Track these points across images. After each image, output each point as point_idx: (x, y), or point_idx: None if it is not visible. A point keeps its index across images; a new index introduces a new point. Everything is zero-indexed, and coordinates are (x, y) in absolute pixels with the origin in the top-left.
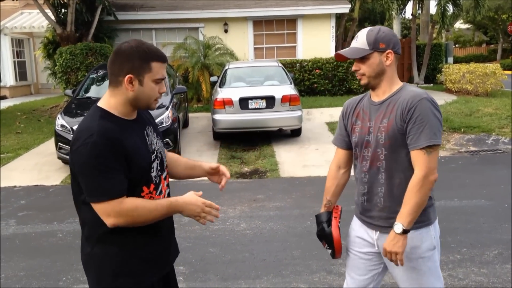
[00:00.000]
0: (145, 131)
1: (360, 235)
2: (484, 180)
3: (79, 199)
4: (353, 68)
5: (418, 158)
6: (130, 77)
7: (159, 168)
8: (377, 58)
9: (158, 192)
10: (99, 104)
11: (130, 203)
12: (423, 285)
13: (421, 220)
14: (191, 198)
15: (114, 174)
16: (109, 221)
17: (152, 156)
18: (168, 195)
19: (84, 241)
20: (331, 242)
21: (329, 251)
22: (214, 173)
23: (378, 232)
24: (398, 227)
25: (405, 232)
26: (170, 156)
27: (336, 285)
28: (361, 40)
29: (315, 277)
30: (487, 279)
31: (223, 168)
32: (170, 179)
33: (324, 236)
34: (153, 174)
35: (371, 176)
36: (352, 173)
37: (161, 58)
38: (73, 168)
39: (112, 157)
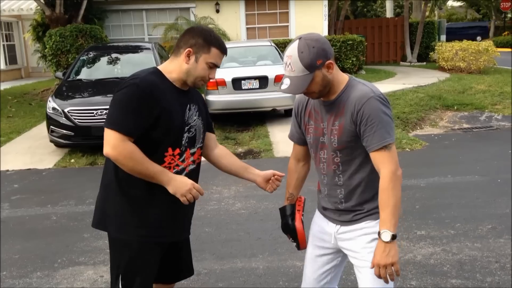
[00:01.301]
0: (188, 105)
1: (321, 229)
2: (477, 156)
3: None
4: (302, 92)
5: (379, 158)
6: (189, 51)
7: (188, 141)
8: (320, 75)
9: (181, 159)
10: (158, 66)
11: (131, 146)
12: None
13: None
14: (182, 177)
15: (133, 116)
16: (105, 149)
17: (185, 128)
18: (192, 172)
19: (107, 193)
20: (295, 235)
21: (294, 243)
22: (268, 180)
23: (339, 226)
24: (386, 235)
25: (394, 237)
26: (222, 149)
27: None
28: (297, 67)
29: None
30: (481, 253)
31: (276, 173)
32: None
33: (288, 230)
34: (183, 142)
35: (330, 179)
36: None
37: (222, 48)
38: None
39: (141, 102)
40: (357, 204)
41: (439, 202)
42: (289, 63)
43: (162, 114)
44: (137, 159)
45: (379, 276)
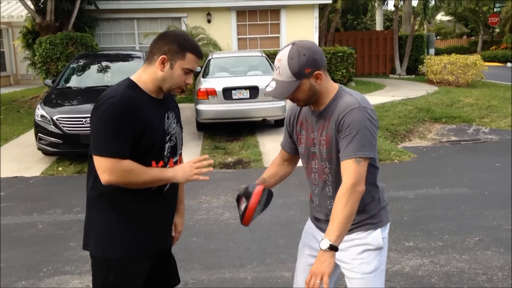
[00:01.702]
0: (166, 114)
1: (313, 238)
2: (465, 168)
3: (92, 170)
4: (288, 98)
5: (346, 168)
6: (163, 58)
7: (170, 150)
8: (307, 84)
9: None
10: (131, 77)
11: (127, 163)
12: (367, 285)
13: (373, 222)
14: (180, 166)
15: (122, 136)
16: (103, 178)
17: (166, 138)
18: (175, 185)
19: (90, 212)
20: (246, 207)
21: (240, 213)
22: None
23: None
24: (324, 242)
25: (332, 248)
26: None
27: None
28: (284, 72)
29: None
30: (468, 265)
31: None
32: None
33: (245, 194)
34: (165, 153)
35: (320, 189)
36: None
37: (197, 52)
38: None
39: (126, 120)
40: None
41: (427, 213)
42: (278, 67)
43: (145, 128)
44: (137, 174)
45: (308, 284)
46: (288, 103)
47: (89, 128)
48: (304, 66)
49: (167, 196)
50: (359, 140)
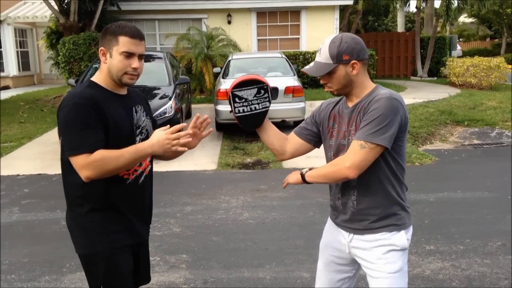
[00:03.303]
0: (134, 108)
1: (333, 238)
2: (487, 172)
3: (66, 168)
4: (321, 81)
5: (351, 147)
6: (102, 50)
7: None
8: (342, 71)
9: (138, 164)
10: (92, 78)
11: (97, 154)
12: (392, 285)
13: (397, 223)
14: (154, 136)
15: (89, 130)
16: (82, 175)
17: (137, 131)
18: (150, 171)
19: (70, 212)
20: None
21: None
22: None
23: (352, 235)
24: (304, 170)
25: (302, 176)
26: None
27: None
28: (324, 54)
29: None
30: (490, 270)
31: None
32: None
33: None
34: None
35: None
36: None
37: (130, 33)
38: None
39: (90, 115)
40: (369, 207)
41: (448, 217)
42: (320, 49)
43: (109, 124)
44: (111, 160)
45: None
46: (309, 104)
47: None
48: (343, 52)
49: (142, 186)
50: (375, 125)
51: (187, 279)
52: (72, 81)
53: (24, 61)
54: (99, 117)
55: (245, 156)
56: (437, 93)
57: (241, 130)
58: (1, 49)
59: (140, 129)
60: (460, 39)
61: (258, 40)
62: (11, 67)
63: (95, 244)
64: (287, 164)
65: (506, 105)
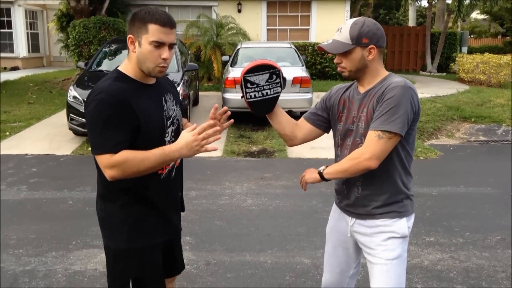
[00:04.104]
0: (163, 97)
1: (338, 223)
2: (491, 169)
3: None
4: (335, 60)
5: (368, 138)
6: (130, 38)
7: (173, 134)
8: (359, 53)
9: None
10: (119, 67)
11: (120, 155)
12: (389, 272)
13: (398, 210)
14: (181, 139)
15: (112, 130)
16: (106, 174)
17: (168, 122)
18: (180, 163)
19: (103, 205)
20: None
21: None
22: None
23: (354, 219)
24: (321, 168)
25: (320, 174)
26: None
27: None
28: (344, 33)
29: (318, 253)
30: (488, 263)
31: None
32: None
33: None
34: (167, 139)
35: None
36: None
37: (160, 21)
38: None
39: (114, 114)
40: (373, 193)
41: (450, 211)
42: (340, 28)
43: (139, 120)
44: (135, 162)
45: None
46: (317, 95)
47: None
48: (364, 35)
49: (174, 179)
50: (391, 114)
51: (190, 260)
52: (81, 64)
53: (34, 43)
54: (125, 115)
55: (251, 144)
56: (445, 88)
57: (247, 119)
58: (12, 30)
59: (171, 120)
60: (472, 36)
61: (268, 29)
62: (21, 48)
63: (128, 240)
64: (292, 154)
65: None
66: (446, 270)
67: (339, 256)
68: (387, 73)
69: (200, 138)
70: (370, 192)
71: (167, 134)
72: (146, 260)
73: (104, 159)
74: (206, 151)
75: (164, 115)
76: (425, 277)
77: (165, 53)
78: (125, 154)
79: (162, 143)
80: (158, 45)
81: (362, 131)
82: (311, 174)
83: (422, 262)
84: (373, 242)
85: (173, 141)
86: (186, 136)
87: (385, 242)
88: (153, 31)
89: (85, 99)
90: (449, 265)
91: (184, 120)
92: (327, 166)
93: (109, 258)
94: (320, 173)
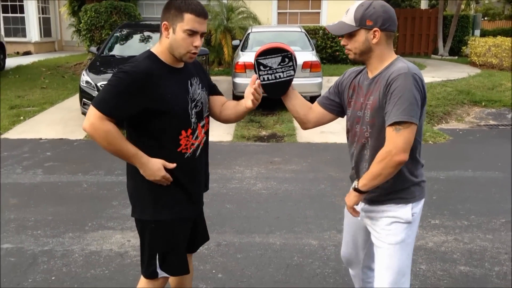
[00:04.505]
0: (189, 81)
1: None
2: (500, 153)
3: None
4: (342, 42)
5: (388, 135)
6: (165, 24)
7: (196, 116)
8: (363, 36)
9: (194, 137)
10: (151, 49)
11: (109, 125)
12: (392, 256)
13: (404, 197)
14: (155, 164)
15: (119, 100)
16: (84, 124)
17: (192, 104)
18: (205, 143)
19: (134, 182)
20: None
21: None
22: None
23: (363, 204)
24: (354, 183)
25: (356, 190)
26: (226, 104)
27: None
28: (349, 15)
29: (325, 235)
30: (491, 245)
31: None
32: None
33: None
34: (192, 120)
35: (358, 152)
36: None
37: (195, 11)
38: None
39: (132, 89)
40: None
41: (456, 194)
42: (348, 9)
43: (163, 96)
44: (111, 139)
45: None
46: (327, 80)
47: None
48: (368, 17)
49: (199, 158)
50: (400, 105)
51: None
52: (93, 49)
53: (45, 27)
54: (141, 94)
55: (261, 129)
56: (456, 72)
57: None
58: (24, 15)
59: (195, 102)
60: (485, 18)
61: (278, 13)
62: (33, 33)
63: (154, 212)
64: (301, 138)
65: None
66: (450, 252)
67: (352, 235)
68: (394, 56)
69: (161, 181)
70: None
71: (192, 116)
72: (170, 233)
73: (95, 115)
74: (160, 183)
75: (189, 97)
76: (429, 258)
77: (197, 41)
78: (112, 128)
79: (188, 125)
80: (192, 33)
81: (368, 119)
82: (349, 197)
83: (427, 243)
84: (378, 226)
85: (196, 123)
86: (159, 169)
87: (389, 226)
88: (188, 20)
89: (97, 84)
90: (453, 246)
91: (222, 98)
92: (358, 180)
93: (138, 229)
94: (356, 189)
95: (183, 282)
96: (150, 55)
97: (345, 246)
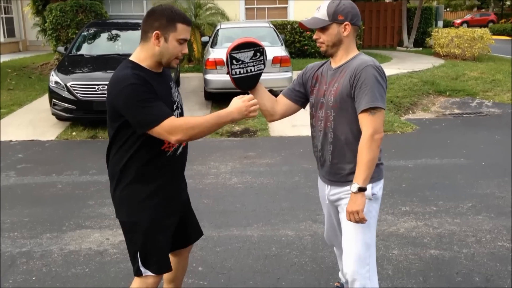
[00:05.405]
0: (169, 84)
1: (322, 192)
2: (465, 141)
3: (113, 146)
4: (314, 36)
5: (363, 120)
6: (157, 33)
7: (179, 117)
8: (335, 29)
9: None
10: (130, 57)
11: (181, 119)
12: (356, 228)
13: None
14: (232, 105)
15: (156, 102)
16: (173, 139)
17: (174, 106)
18: (185, 146)
19: (114, 184)
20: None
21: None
22: None
23: (329, 186)
24: (354, 186)
25: (361, 190)
26: None
27: (321, 232)
28: (322, 11)
29: (301, 225)
30: (459, 228)
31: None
32: None
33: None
34: None
35: (323, 135)
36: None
37: (186, 21)
38: (114, 111)
39: (149, 91)
40: (342, 162)
41: (424, 182)
42: (320, 6)
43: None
44: (195, 121)
45: (350, 220)
46: (295, 75)
47: (101, 95)
48: (339, 12)
49: (180, 156)
50: (373, 93)
51: None
52: (61, 48)
53: (9, 27)
54: (154, 92)
55: (233, 124)
56: (421, 63)
57: (229, 99)
58: None
59: (176, 104)
60: (447, 9)
61: (246, 9)
62: None
63: (138, 214)
64: (274, 132)
65: (487, 76)
66: (420, 237)
67: (328, 218)
68: (357, 52)
69: (250, 104)
70: (339, 160)
71: (176, 117)
72: (149, 233)
73: (166, 125)
74: (252, 116)
75: (172, 100)
76: (400, 243)
77: (185, 48)
78: (185, 118)
79: None
80: (183, 42)
81: (332, 104)
82: (356, 203)
83: (398, 230)
84: (343, 202)
85: None
86: (237, 102)
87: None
88: (181, 30)
89: (67, 84)
90: (423, 231)
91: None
92: (352, 182)
93: (123, 231)
94: (361, 188)
95: (174, 275)
96: (133, 65)
97: (326, 229)
